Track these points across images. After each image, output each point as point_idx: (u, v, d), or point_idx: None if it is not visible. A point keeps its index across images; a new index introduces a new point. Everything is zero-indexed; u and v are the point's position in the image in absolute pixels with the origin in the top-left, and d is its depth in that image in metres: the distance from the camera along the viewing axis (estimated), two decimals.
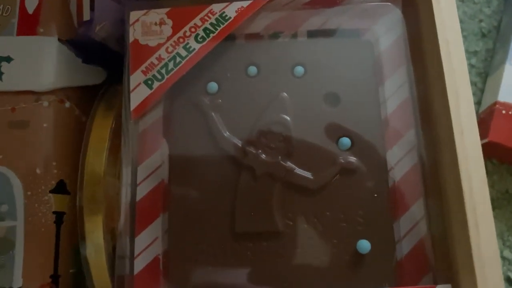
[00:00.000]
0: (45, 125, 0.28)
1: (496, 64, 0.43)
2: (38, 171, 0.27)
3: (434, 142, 0.25)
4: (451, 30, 0.24)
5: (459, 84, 0.24)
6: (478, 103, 0.44)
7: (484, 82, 0.44)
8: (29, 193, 0.27)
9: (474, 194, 0.22)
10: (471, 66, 0.45)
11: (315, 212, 0.24)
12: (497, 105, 0.40)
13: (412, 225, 0.24)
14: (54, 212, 0.27)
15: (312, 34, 0.27)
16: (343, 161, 0.25)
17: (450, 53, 0.24)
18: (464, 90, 0.24)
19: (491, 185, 0.41)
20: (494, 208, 0.40)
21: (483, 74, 0.44)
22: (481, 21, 0.45)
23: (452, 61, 0.24)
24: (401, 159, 0.25)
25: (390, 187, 0.25)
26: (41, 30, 0.29)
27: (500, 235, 0.40)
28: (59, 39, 0.28)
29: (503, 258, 0.40)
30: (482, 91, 0.44)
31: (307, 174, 0.25)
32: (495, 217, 0.40)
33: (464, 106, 0.23)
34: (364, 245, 0.23)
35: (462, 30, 0.45)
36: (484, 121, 0.41)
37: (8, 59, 0.28)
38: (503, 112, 0.40)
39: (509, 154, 0.39)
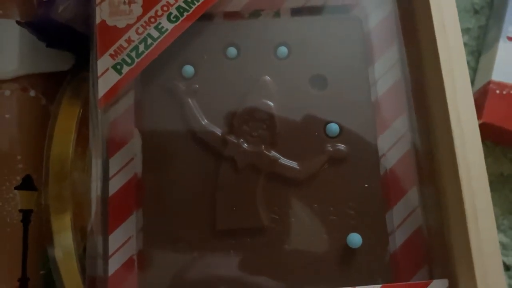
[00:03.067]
0: (7, 116, 0.26)
1: (490, 41, 0.42)
2: (0, 166, 0.25)
3: (429, 127, 0.24)
4: (446, 6, 0.23)
5: (455, 64, 0.22)
6: (471, 83, 0.43)
7: (477, 61, 0.43)
8: None
9: (472, 183, 0.21)
10: (463, 44, 0.44)
11: (303, 205, 0.23)
12: (491, 85, 0.39)
13: (406, 215, 0.23)
14: (20, 210, 0.25)
15: (296, 11, 0.25)
16: (331, 149, 0.23)
17: (445, 32, 0.22)
18: (460, 71, 0.22)
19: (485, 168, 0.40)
20: None
21: (476, 52, 0.43)
22: None
23: (447, 40, 0.22)
24: (393, 145, 0.24)
25: (382, 175, 0.23)
26: (0, 12, 0.27)
27: (495, 219, 0.39)
28: (17, 22, 0.26)
29: None
30: (475, 70, 0.43)
31: (293, 164, 0.23)
32: None
33: (461, 88, 0.22)
34: (355, 239, 0.22)
35: None
36: (478, 102, 0.40)
37: None
38: (497, 92, 0.39)
39: (504, 135, 0.39)
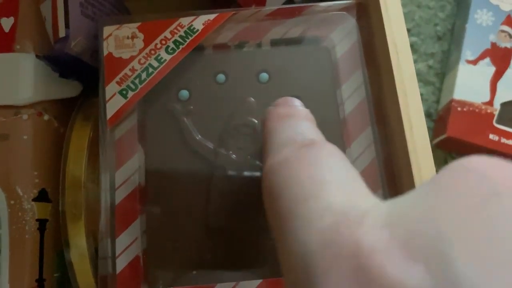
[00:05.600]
0: (25, 137, 0.29)
1: (451, 64, 0.46)
2: (19, 181, 0.29)
3: (388, 137, 0.27)
4: (399, 35, 0.27)
5: (407, 83, 0.26)
6: (437, 102, 0.47)
7: (442, 82, 0.47)
8: (12, 202, 0.28)
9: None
10: (429, 67, 0.48)
11: None
12: (453, 103, 0.43)
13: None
14: (37, 220, 0.28)
15: (274, 42, 0.29)
16: None
17: (398, 56, 0.26)
18: (411, 88, 0.26)
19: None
20: None
21: (440, 74, 0.47)
22: (436, 25, 0.48)
23: (400, 64, 0.26)
24: (359, 155, 0.27)
25: None
26: (18, 47, 0.30)
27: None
28: (37, 55, 0.29)
29: None
30: (440, 90, 0.47)
31: None
32: None
33: (412, 102, 0.26)
34: None
35: (419, 33, 0.48)
36: (443, 118, 0.44)
37: None
38: (459, 109, 0.43)
39: (466, 147, 0.42)
